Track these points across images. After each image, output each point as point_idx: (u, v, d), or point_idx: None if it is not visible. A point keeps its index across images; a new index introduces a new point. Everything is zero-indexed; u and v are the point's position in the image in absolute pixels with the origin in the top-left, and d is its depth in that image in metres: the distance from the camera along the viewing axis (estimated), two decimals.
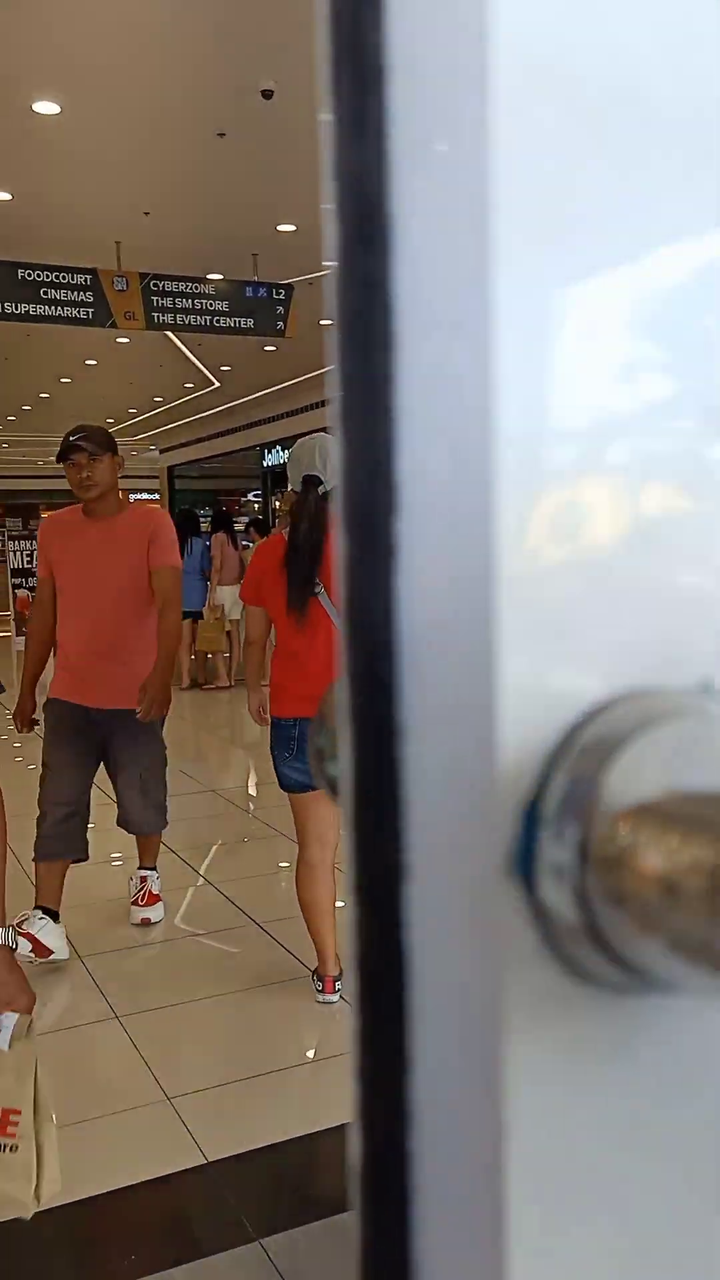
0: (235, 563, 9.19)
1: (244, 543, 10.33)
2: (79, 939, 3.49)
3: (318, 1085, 2.66)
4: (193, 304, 11.01)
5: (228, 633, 9.21)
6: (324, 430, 11.52)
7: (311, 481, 2.97)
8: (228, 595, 8.97)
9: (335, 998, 3.03)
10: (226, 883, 4.15)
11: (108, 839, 3.96)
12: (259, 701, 3.20)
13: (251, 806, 5.58)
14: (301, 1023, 3.02)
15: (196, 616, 9.30)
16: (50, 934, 3.24)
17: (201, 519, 11.76)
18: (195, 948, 3.62)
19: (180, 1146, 2.32)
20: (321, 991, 3.05)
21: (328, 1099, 2.52)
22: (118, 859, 4.21)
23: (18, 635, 13.54)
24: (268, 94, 7.31)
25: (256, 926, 3.67)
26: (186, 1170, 2.24)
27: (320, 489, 2.95)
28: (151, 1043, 2.83)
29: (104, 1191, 2.13)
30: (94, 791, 3.52)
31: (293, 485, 3.08)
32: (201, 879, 4.25)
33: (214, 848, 4.82)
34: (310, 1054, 2.88)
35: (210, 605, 9.21)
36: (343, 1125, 2.15)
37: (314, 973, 3.11)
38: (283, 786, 3.07)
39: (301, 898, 3.04)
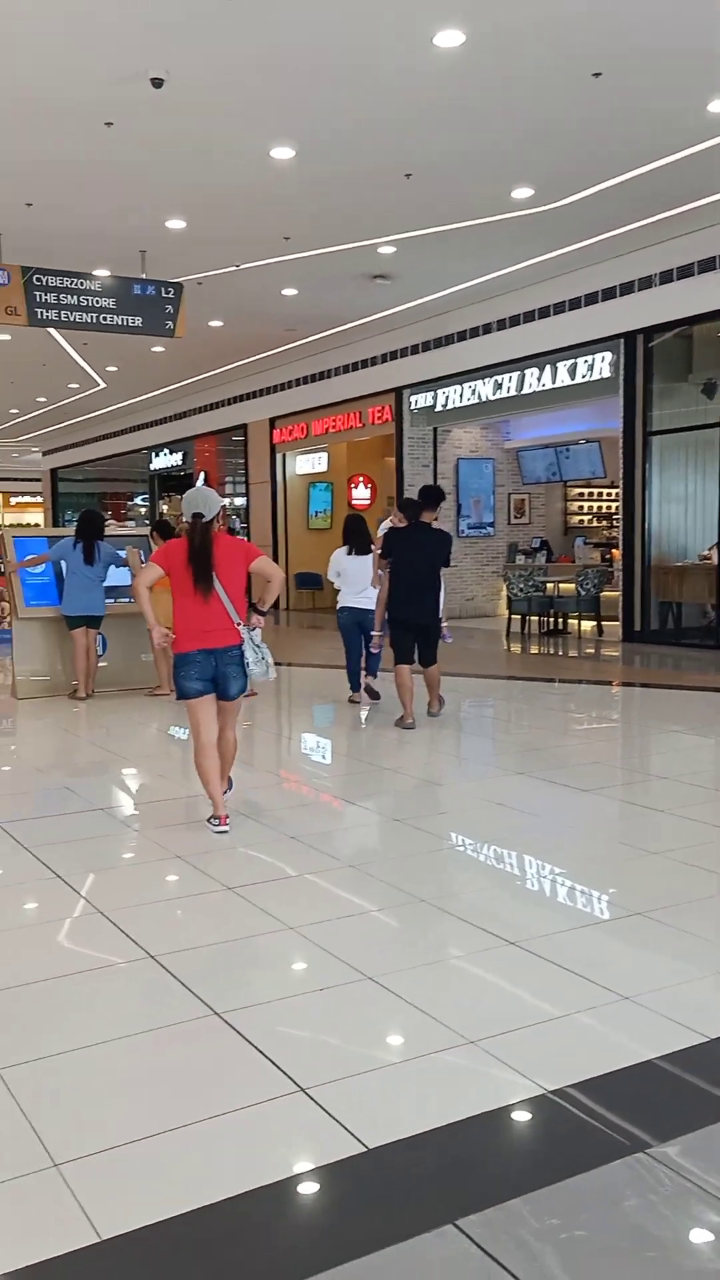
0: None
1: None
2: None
3: (231, 1141, 2.45)
4: (78, 300, 10.60)
5: None
6: (208, 434, 11.71)
7: (198, 517, 4.91)
8: None
9: (227, 828, 4.88)
10: (117, 910, 3.90)
11: None
12: (165, 631, 5.00)
13: (141, 824, 5.31)
14: (208, 1064, 2.81)
15: (95, 623, 8.96)
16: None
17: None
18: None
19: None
20: (217, 825, 4.89)
21: (248, 1150, 2.33)
22: None
23: None
24: (158, 83, 7.04)
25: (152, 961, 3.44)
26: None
27: (203, 520, 4.91)
28: (39, 1096, 2.58)
29: None
30: None
31: (185, 517, 4.99)
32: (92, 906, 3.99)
33: (106, 872, 4.55)
34: (221, 1104, 2.67)
35: None
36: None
37: (210, 819, 4.95)
38: (184, 696, 4.97)
39: (200, 765, 5.00)
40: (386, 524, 8.03)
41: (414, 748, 7.10)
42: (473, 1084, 2.65)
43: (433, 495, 7.78)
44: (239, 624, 4.95)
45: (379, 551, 7.69)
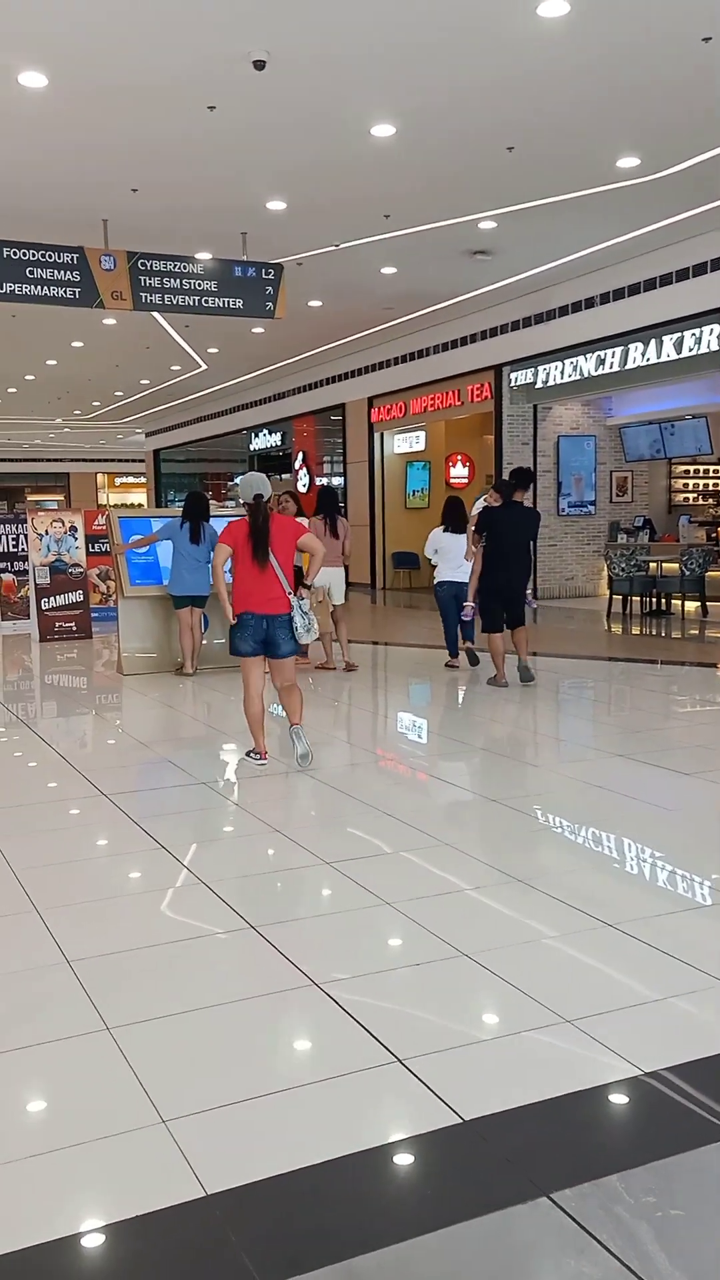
0: (334, 548, 9.05)
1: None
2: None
3: (323, 1104, 2.53)
4: (181, 284, 10.77)
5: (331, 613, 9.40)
6: (307, 414, 11.83)
7: (258, 497, 5.65)
8: (332, 577, 9.17)
9: (266, 762, 5.80)
10: (219, 882, 4.01)
11: None
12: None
13: (239, 797, 5.44)
14: (305, 1034, 2.89)
15: (200, 602, 9.16)
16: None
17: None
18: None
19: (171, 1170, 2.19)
20: (258, 758, 5.82)
21: (327, 1119, 2.40)
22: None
23: (3, 620, 13.32)
24: (259, 65, 7.08)
25: (253, 930, 3.54)
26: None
27: (263, 500, 5.65)
28: (145, 1053, 2.70)
29: None
30: None
31: (244, 500, 5.77)
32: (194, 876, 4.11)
33: (208, 844, 4.68)
34: (320, 1070, 2.74)
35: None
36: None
37: (250, 752, 5.90)
38: (238, 654, 5.70)
39: (248, 710, 5.80)
40: (481, 503, 8.81)
41: (512, 728, 7.08)
42: (568, 1062, 2.66)
43: (524, 476, 8.68)
44: (290, 594, 5.64)
45: (473, 529, 8.43)
